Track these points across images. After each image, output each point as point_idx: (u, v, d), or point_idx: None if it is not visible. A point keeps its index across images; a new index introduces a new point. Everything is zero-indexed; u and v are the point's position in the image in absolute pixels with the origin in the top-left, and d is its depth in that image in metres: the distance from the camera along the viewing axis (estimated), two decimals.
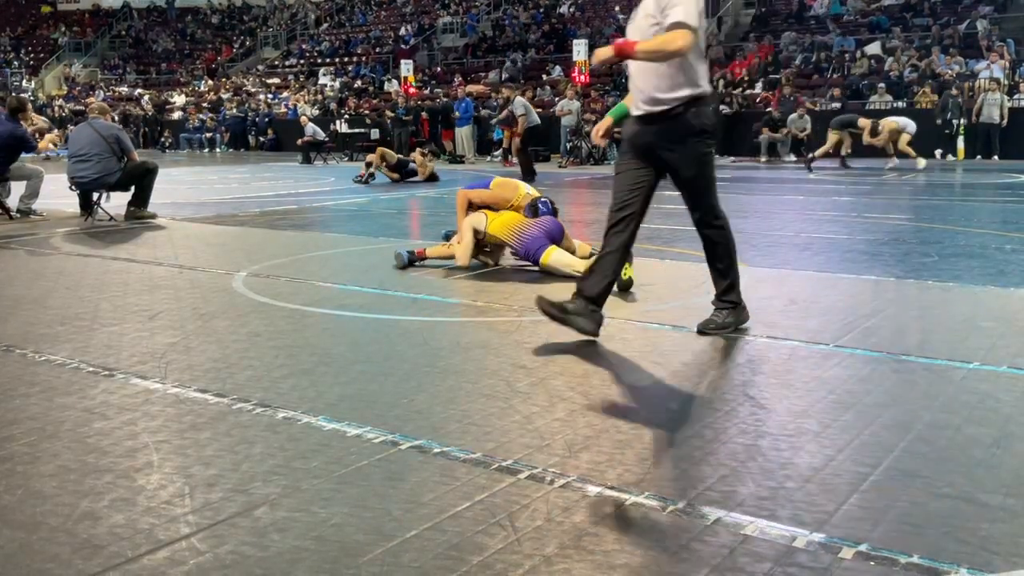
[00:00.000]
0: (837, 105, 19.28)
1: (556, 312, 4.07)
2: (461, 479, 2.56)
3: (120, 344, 4.15)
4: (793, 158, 18.60)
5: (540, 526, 2.26)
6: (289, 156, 22.63)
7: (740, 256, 6.45)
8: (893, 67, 20.69)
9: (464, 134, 19.97)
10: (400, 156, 15.39)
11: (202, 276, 5.99)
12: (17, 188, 9.93)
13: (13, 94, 19.30)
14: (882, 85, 19.72)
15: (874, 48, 21.96)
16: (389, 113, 21.92)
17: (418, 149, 15.61)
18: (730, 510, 2.33)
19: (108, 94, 33.60)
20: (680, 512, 2.33)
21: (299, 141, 21.11)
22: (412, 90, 24.45)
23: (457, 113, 20.13)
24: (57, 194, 10.43)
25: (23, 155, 9.89)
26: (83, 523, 2.31)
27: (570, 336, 4.19)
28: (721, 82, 22.01)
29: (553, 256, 5.76)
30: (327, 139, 21.72)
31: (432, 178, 14.71)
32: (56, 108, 31.72)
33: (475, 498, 2.43)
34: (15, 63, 39.37)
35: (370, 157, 14.86)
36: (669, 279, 5.67)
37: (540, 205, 6.12)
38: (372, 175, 14.53)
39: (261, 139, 26.88)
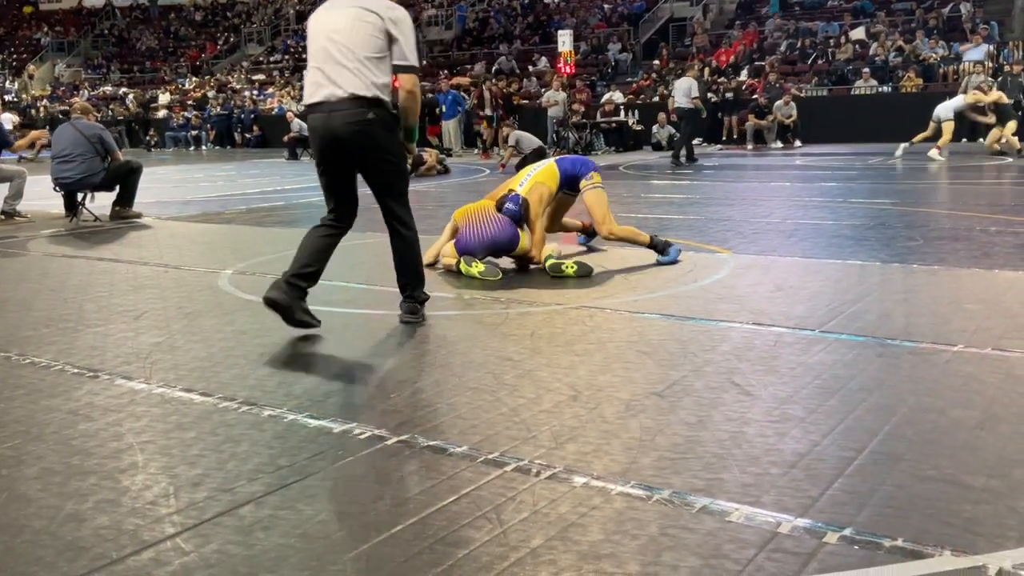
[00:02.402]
0: (824, 92, 19.32)
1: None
2: (447, 473, 2.56)
3: (105, 345, 4.13)
4: (779, 145, 18.63)
5: (526, 518, 2.26)
6: (275, 152, 22.54)
7: (727, 243, 6.49)
8: (878, 52, 20.73)
9: (450, 127, 19.93)
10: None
11: (188, 275, 5.97)
12: (0, 191, 9.87)
13: None
14: (867, 70, 19.76)
15: (858, 33, 22.00)
16: None
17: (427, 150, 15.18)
18: (715, 497, 2.34)
19: (93, 94, 33.40)
20: (666, 501, 2.34)
21: (285, 137, 21.02)
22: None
23: (443, 107, 20.07)
24: (42, 195, 10.37)
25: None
26: (68, 525, 2.30)
27: (558, 327, 4.20)
28: (707, 70, 22.01)
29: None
30: None
31: (443, 171, 14.65)
32: (42, 108, 31.52)
33: (461, 491, 2.43)
34: None
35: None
36: (656, 268, 5.66)
37: (508, 203, 5.65)
38: None
39: (247, 136, 26.76)
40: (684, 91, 15.23)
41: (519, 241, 5.56)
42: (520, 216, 5.61)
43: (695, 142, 16.25)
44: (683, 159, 15.12)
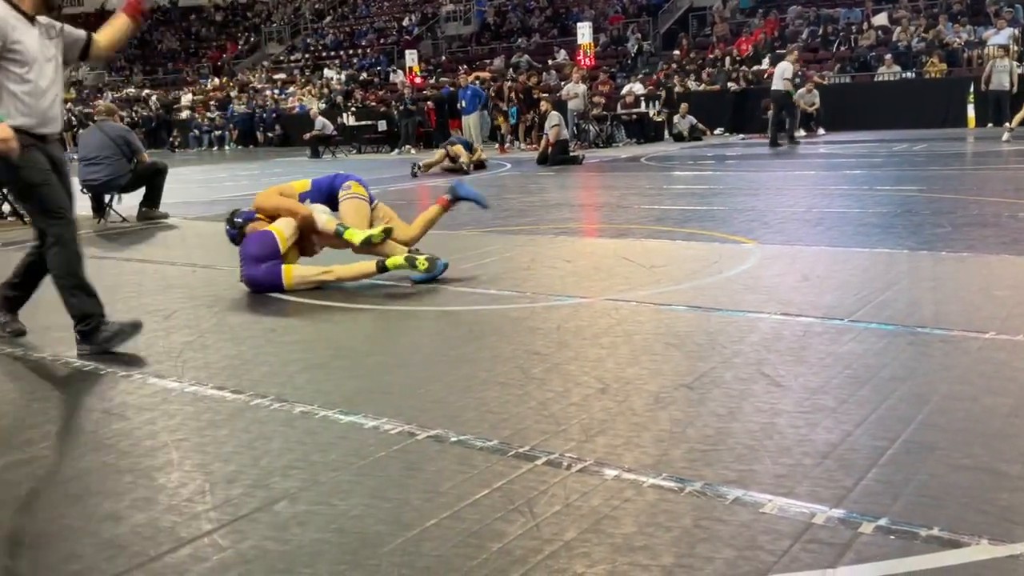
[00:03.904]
0: (847, 79, 19.14)
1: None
2: (479, 467, 2.57)
3: (136, 344, 4.16)
4: (803, 133, 18.49)
5: (559, 511, 2.27)
6: (297, 151, 22.65)
7: (752, 233, 6.46)
8: (901, 37, 20.50)
9: (471, 121, 19.93)
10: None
11: (215, 274, 6.01)
12: None
13: None
14: (889, 56, 19.56)
15: (881, 19, 21.77)
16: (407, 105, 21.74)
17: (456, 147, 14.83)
18: (748, 489, 2.33)
19: (117, 96, 33.70)
20: (698, 493, 2.33)
21: (306, 135, 21.12)
22: (418, 80, 24.40)
23: (463, 102, 20.10)
24: None
25: None
26: (106, 523, 2.33)
27: (584, 320, 4.20)
28: (728, 59, 21.89)
29: (295, 275, 5.19)
30: (335, 132, 21.72)
31: (479, 166, 14.63)
32: (65, 111, 31.86)
33: (493, 485, 2.44)
34: None
35: (439, 154, 14.49)
36: (682, 260, 5.65)
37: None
38: (420, 168, 14.17)
39: (269, 135, 26.93)
40: (780, 74, 16.02)
41: (274, 240, 5.21)
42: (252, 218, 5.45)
43: (713, 131, 16.29)
44: (786, 138, 16.14)
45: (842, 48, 21.42)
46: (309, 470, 2.61)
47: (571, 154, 15.25)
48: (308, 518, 2.30)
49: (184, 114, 30.19)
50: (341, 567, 2.05)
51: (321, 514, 2.32)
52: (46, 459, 2.80)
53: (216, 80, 34.22)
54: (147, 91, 34.57)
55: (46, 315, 4.96)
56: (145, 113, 30.51)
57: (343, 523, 2.26)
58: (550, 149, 14.96)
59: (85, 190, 9.34)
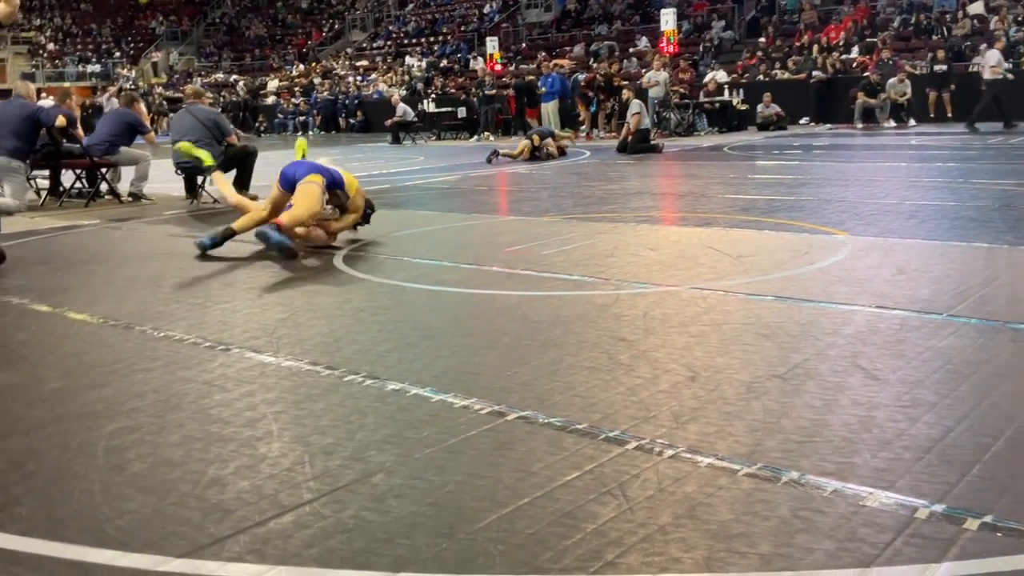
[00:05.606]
0: (942, 68, 18.47)
1: None
2: (569, 449, 2.59)
3: (233, 320, 4.30)
4: (893, 124, 17.96)
5: (652, 496, 2.27)
6: (379, 137, 22.93)
7: (843, 225, 6.31)
8: (998, 26, 19.71)
9: (550, 109, 19.87)
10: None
11: (303, 254, 6.14)
12: (127, 174, 10.36)
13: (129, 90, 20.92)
14: (984, 46, 18.82)
15: (977, 7, 20.94)
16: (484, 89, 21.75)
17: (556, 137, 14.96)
18: (847, 481, 2.30)
19: (205, 81, 34.60)
20: (795, 483, 2.30)
21: (387, 122, 21.35)
22: (498, 67, 24.44)
23: (543, 88, 20.03)
24: (163, 178, 10.82)
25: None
26: (211, 489, 2.42)
27: (670, 308, 4.17)
28: (816, 47, 21.36)
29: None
30: (416, 119, 21.91)
31: (561, 153, 14.59)
32: (156, 96, 32.85)
33: (584, 468, 2.45)
34: (116, 54, 40.94)
35: (523, 145, 14.51)
36: (770, 250, 5.56)
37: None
38: (496, 153, 14.22)
39: (351, 121, 27.31)
40: (990, 62, 16.25)
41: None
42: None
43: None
44: (1006, 121, 16.38)
45: (935, 37, 20.70)
46: (403, 445, 2.66)
47: (651, 142, 15.11)
48: (404, 491, 2.34)
49: (270, 100, 30.83)
50: (438, 539, 2.09)
51: (417, 488, 2.36)
52: (151, 426, 2.91)
53: (301, 67, 34.84)
54: (235, 77, 35.41)
55: (144, 291, 5.15)
56: (233, 98, 31.26)
57: (438, 497, 2.30)
58: (630, 137, 14.84)
59: (179, 172, 9.64)
